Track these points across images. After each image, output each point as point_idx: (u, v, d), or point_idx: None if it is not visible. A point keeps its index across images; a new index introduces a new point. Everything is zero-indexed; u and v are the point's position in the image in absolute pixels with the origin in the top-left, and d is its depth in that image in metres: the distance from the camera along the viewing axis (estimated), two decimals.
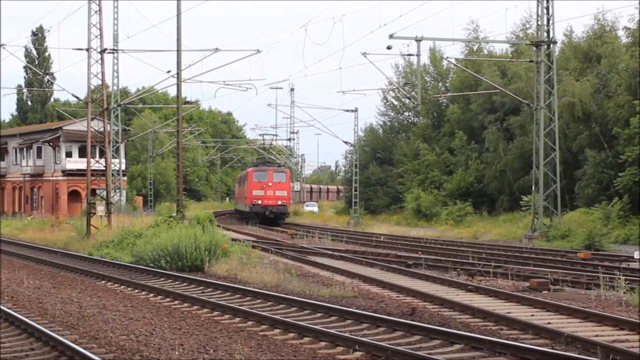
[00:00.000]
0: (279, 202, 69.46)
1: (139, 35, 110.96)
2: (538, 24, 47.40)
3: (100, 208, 47.62)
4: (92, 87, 48.79)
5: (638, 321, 16.67)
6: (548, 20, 46.66)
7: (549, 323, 17.05)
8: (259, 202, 68.84)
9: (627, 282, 21.96)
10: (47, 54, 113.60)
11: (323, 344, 15.20)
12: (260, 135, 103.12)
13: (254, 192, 69.56)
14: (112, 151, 61.43)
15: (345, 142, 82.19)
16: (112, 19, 63.44)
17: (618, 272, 24.24)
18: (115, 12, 63.07)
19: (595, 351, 14.04)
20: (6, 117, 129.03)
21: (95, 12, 47.48)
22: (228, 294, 22.74)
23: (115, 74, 63.97)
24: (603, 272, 24.53)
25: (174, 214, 39.60)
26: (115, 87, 64.85)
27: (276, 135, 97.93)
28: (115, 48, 61.21)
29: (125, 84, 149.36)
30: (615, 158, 54.73)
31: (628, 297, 20.11)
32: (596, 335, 15.74)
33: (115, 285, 25.88)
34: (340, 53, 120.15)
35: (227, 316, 18.74)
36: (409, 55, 56.58)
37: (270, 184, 69.44)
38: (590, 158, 57.03)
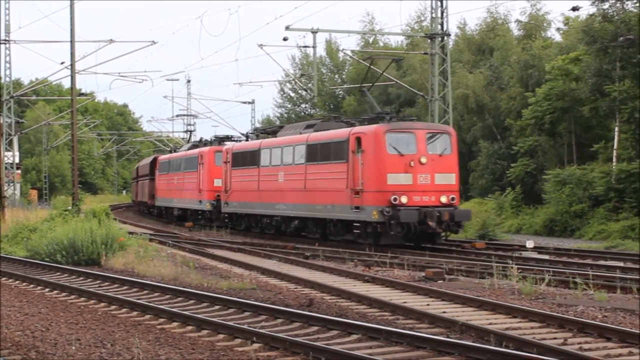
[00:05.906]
0: (444, 200, 33.05)
1: (32, 25, 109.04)
2: (432, 17, 47.94)
3: None
4: None
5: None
6: (442, 12, 47.25)
7: (444, 312, 17.33)
8: (404, 200, 32.13)
9: (519, 270, 22.41)
10: None
11: (221, 336, 15.20)
12: (157, 129, 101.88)
13: (391, 177, 32.74)
14: (5, 144, 60.23)
15: (243, 134, 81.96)
16: (3, 8, 62.17)
17: (511, 261, 24.76)
18: (6, 2, 61.85)
19: (488, 338, 14.33)
20: None
21: None
22: (125, 287, 22.56)
23: (8, 65, 62.68)
24: (496, 261, 24.99)
25: (70, 208, 39.11)
26: (7, 79, 63.54)
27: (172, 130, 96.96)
28: (7, 39, 60.03)
29: (18, 75, 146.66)
30: (508, 149, 55.86)
31: (520, 286, 20.56)
32: (490, 323, 16.05)
33: (10, 280, 25.43)
34: (236, 45, 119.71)
35: (124, 310, 18.60)
36: (305, 47, 56.94)
37: (423, 160, 32.85)
38: (484, 149, 58.13)
